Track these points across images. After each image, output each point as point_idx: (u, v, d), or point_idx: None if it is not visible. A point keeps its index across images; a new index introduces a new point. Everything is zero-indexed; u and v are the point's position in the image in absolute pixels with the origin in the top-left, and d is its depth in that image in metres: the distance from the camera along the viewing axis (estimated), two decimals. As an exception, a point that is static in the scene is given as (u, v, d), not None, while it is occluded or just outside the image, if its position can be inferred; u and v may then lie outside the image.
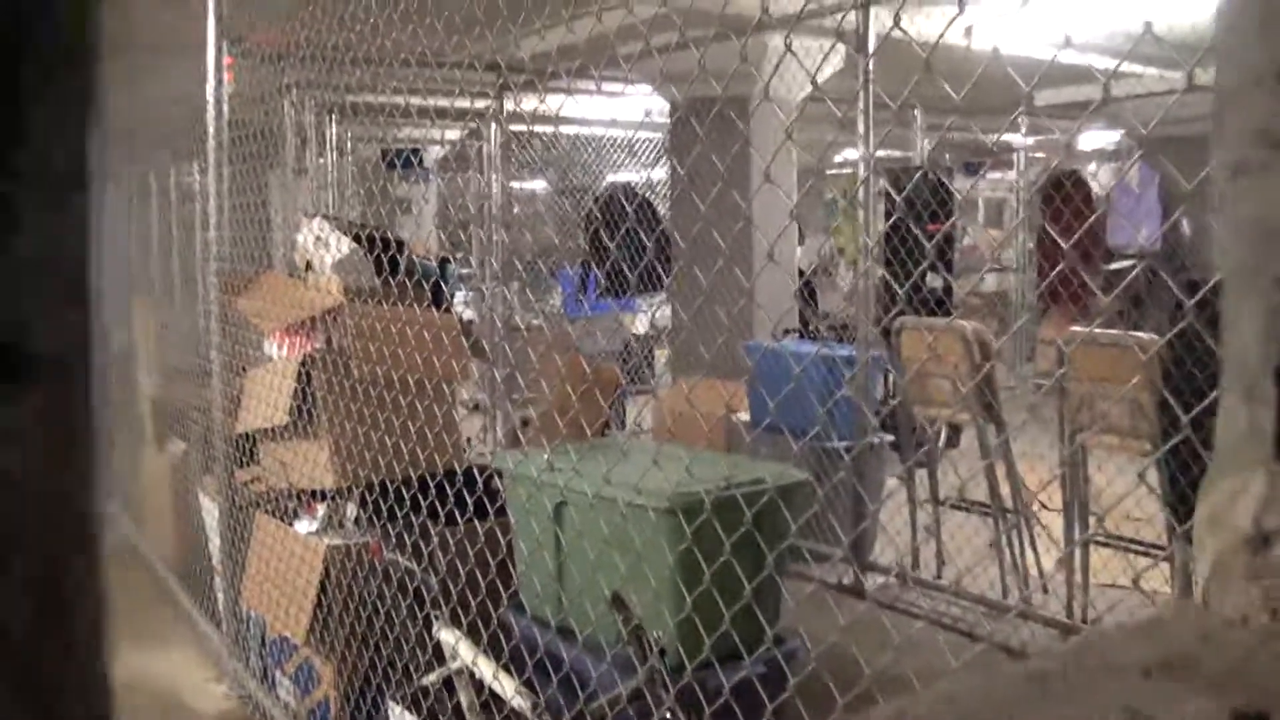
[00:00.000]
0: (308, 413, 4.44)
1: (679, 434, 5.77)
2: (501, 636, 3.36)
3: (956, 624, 5.78)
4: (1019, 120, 11.23)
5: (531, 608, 3.65)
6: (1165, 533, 5.55)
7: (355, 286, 4.47)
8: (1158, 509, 5.41)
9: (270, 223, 5.56)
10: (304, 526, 4.51)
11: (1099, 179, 13.19)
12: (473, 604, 3.31)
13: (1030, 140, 12.37)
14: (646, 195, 11.66)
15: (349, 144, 10.27)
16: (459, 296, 9.59)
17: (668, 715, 2.62)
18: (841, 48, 6.19)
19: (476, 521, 3.46)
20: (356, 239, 4.62)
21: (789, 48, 1.98)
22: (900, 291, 7.03)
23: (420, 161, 11.07)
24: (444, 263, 5.00)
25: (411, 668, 3.71)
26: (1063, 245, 9.58)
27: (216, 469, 5.20)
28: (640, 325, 12.15)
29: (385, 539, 4.02)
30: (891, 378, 7.31)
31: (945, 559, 6.50)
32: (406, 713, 3.67)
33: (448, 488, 3.51)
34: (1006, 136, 12.17)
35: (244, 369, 5.02)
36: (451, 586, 3.48)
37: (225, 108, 5.11)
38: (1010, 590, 5.98)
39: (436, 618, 3.57)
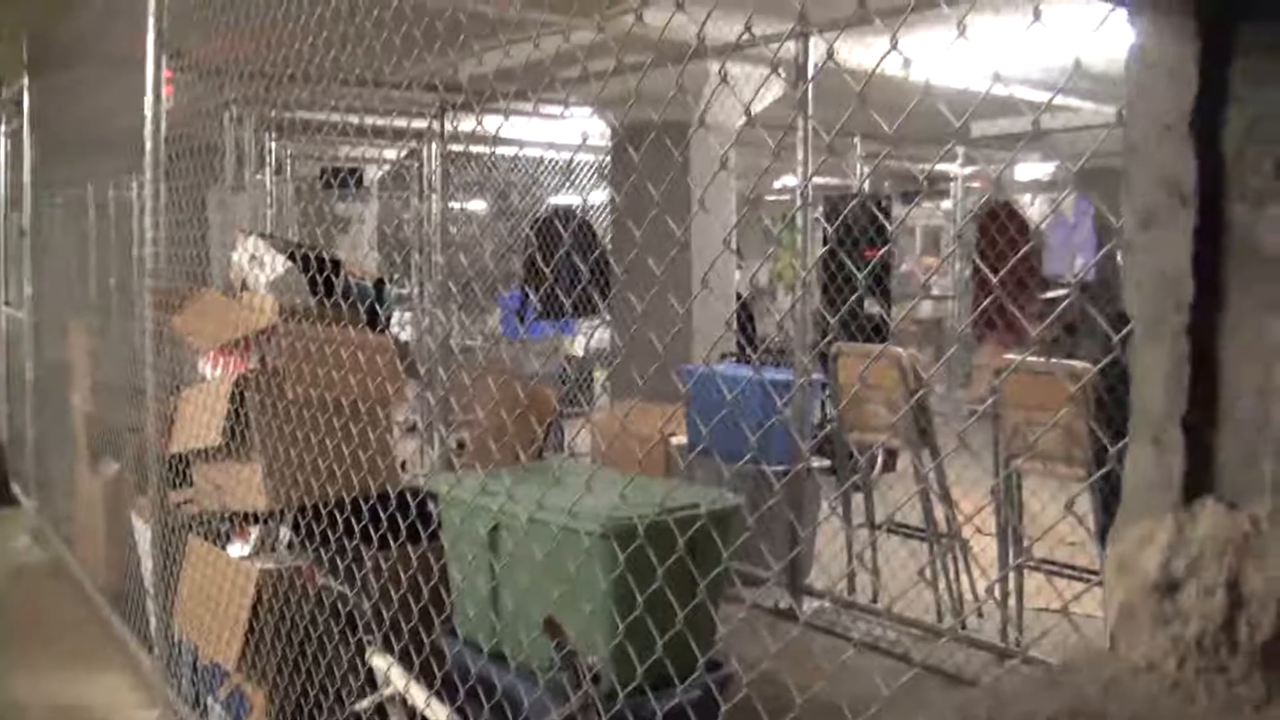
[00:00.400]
0: (241, 434, 4.39)
1: (616, 458, 5.77)
2: (434, 662, 3.34)
3: (892, 648, 5.81)
4: (955, 151, 11.36)
5: (465, 633, 3.63)
6: (1099, 558, 5.62)
7: (290, 306, 4.43)
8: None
9: (208, 240, 5.51)
10: (237, 550, 4.45)
11: (1035, 209, 13.37)
12: (405, 629, 3.28)
13: (967, 170, 12.51)
14: (585, 219, 11.65)
15: (288, 161, 10.19)
16: (397, 317, 9.53)
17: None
18: (782, 75, 6.24)
19: (410, 545, 3.44)
20: (291, 257, 4.58)
21: (724, 78, 1.99)
22: (836, 317, 7.08)
23: (359, 181, 11.01)
24: (379, 284, 4.96)
25: (344, 694, 3.67)
26: (994, 275, 9.68)
27: (150, 490, 5.13)
28: (578, 348, 12.13)
29: (318, 563, 3.98)
30: (829, 402, 7.35)
31: (880, 583, 6.53)
32: (337, 739, 3.63)
33: (381, 511, 3.48)
34: (944, 166, 12.30)
35: (178, 388, 4.96)
36: (384, 611, 3.45)
37: (163, 122, 5.05)
38: (945, 615, 6.02)
39: (369, 643, 3.54)
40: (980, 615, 6.06)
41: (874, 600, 6.48)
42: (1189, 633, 0.72)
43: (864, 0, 1.68)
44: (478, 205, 14.82)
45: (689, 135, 2.86)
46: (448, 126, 8.84)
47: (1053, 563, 5.69)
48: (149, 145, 5.04)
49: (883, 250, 9.51)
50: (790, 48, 6.18)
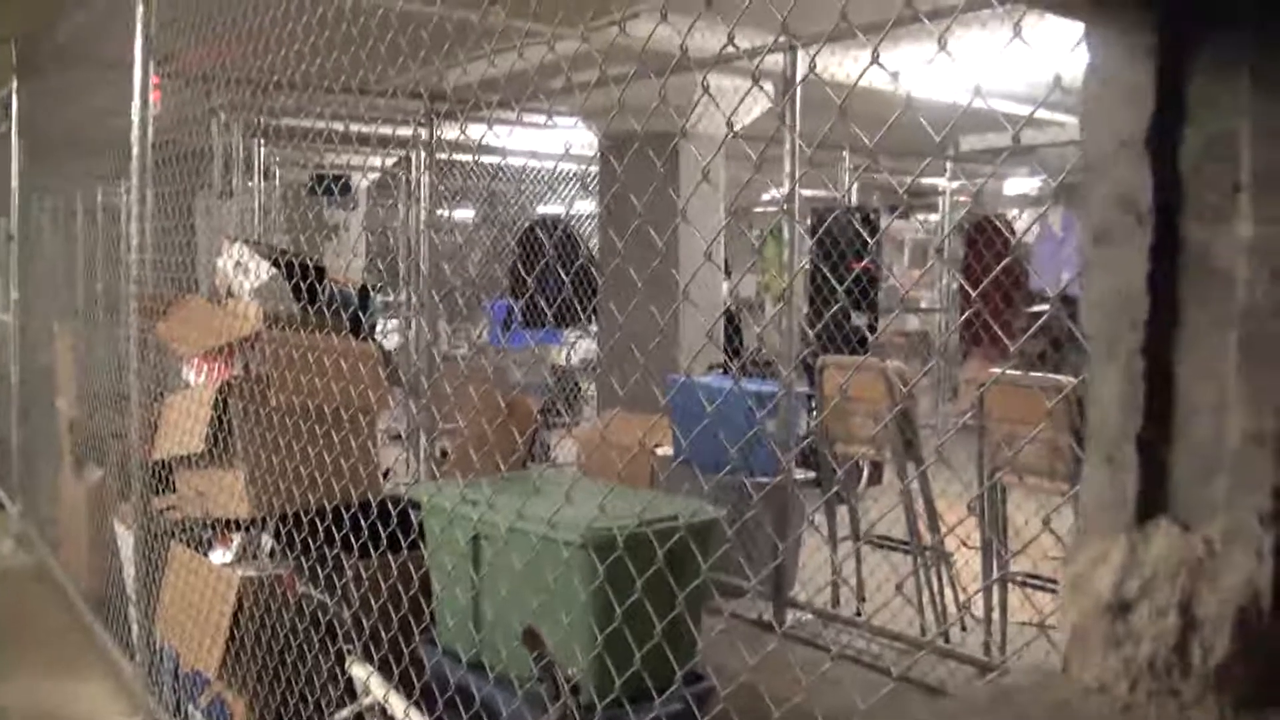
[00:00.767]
0: (224, 440, 4.37)
1: (601, 468, 5.76)
2: (413, 672, 3.33)
3: (876, 662, 5.80)
4: (944, 164, 11.39)
5: (445, 642, 3.61)
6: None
7: (274, 313, 4.42)
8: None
9: (196, 246, 5.50)
10: (219, 557, 4.43)
11: (1023, 223, 13.39)
12: (385, 638, 3.27)
13: (955, 184, 12.53)
14: (571, 228, 11.63)
15: (276, 168, 10.17)
16: (385, 325, 9.51)
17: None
18: (769, 87, 6.25)
19: (390, 554, 3.43)
20: (275, 264, 4.57)
21: (706, 89, 2.00)
22: (822, 329, 7.08)
23: (343, 188, 10.97)
24: (364, 291, 4.94)
25: (323, 703, 3.66)
26: (975, 288, 9.71)
27: (133, 496, 5.11)
28: (564, 358, 12.12)
29: (299, 571, 3.97)
30: (814, 414, 7.35)
31: (865, 596, 6.53)
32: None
33: (362, 519, 3.47)
34: (932, 180, 12.31)
35: (162, 394, 4.94)
36: (364, 620, 3.44)
37: (150, 128, 5.04)
38: (929, 627, 6.02)
39: (349, 652, 3.53)
40: (964, 629, 6.05)
41: (858, 613, 6.47)
42: (1141, 655, 0.71)
43: (845, 14, 1.69)
44: (465, 214, 14.79)
45: (670, 146, 2.86)
46: (436, 134, 8.83)
47: (1036, 577, 5.69)
48: (135, 151, 5.02)
49: (865, 262, 9.51)
50: (779, 61, 6.19)
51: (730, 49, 2.03)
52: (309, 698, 3.76)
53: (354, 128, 3.72)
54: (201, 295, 5.03)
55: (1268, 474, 0.68)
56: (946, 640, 5.89)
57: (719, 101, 2.14)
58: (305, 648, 3.81)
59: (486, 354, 10.75)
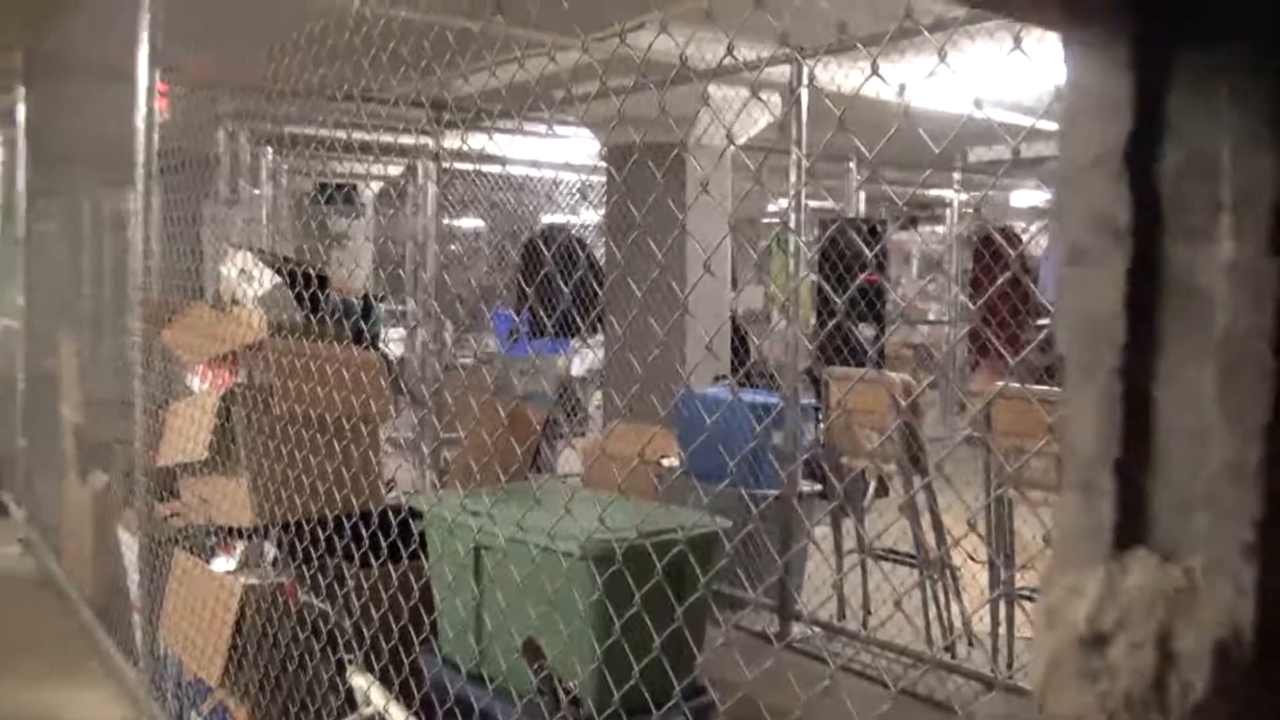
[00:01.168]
0: (228, 448, 4.37)
1: (604, 480, 5.74)
2: (413, 682, 3.31)
3: (881, 676, 5.77)
4: (951, 176, 11.36)
5: (445, 653, 3.60)
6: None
7: (278, 322, 4.42)
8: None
9: (203, 253, 5.49)
10: (222, 564, 4.43)
11: (1031, 236, 13.35)
12: (385, 648, 3.26)
13: (963, 196, 12.50)
14: (578, 237, 11.60)
15: (283, 176, 10.18)
16: (392, 334, 9.50)
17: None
18: (776, 99, 6.23)
19: (391, 564, 3.42)
20: (279, 273, 4.57)
21: (706, 101, 1.99)
22: (816, 342, 7.06)
23: (347, 198, 10.95)
24: (367, 300, 4.94)
25: (324, 713, 3.65)
26: (980, 301, 9.69)
27: (137, 502, 5.11)
28: (576, 368, 12.09)
29: (300, 580, 3.96)
30: (821, 426, 7.32)
31: (871, 609, 6.49)
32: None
33: (364, 529, 3.46)
34: (940, 192, 12.28)
35: (167, 401, 4.94)
36: (365, 630, 3.43)
37: (155, 135, 5.04)
38: (936, 642, 5.98)
39: (350, 662, 3.52)
40: (971, 644, 6.01)
41: (864, 626, 6.44)
42: (1118, 690, 0.69)
43: (844, 26, 1.68)
44: (475, 223, 14.76)
45: (671, 158, 2.84)
46: (445, 144, 8.83)
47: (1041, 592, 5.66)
48: (140, 158, 5.03)
49: (870, 274, 9.48)
50: (785, 72, 6.18)
51: (730, 60, 2.02)
52: (310, 707, 3.75)
53: (357, 135, 3.71)
54: (207, 302, 5.03)
55: (1249, 505, 0.66)
56: (953, 655, 5.86)
57: (726, 112, 2.14)
58: (306, 657, 3.80)
59: (493, 364, 10.72)
